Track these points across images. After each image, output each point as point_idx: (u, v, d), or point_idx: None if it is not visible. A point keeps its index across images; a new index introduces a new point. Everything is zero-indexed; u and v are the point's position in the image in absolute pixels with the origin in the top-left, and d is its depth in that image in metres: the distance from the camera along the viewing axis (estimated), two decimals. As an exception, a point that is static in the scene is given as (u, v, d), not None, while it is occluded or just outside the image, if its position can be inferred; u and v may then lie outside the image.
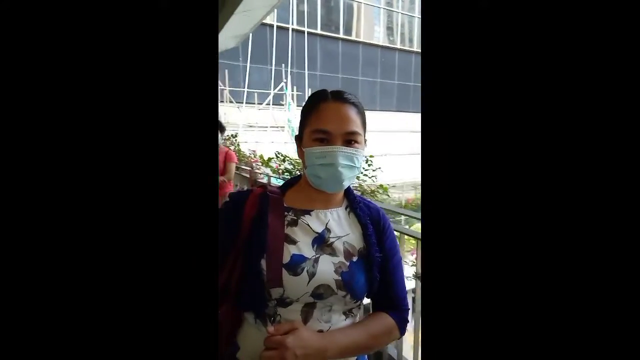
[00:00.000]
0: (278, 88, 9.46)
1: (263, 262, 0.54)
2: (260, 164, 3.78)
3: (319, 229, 0.59)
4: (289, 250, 0.56)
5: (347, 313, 0.60)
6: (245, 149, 5.03)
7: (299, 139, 0.62)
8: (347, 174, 0.58)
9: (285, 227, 0.58)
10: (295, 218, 0.60)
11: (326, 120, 0.57)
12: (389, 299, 0.63)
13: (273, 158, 4.02)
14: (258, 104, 9.67)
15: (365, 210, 0.64)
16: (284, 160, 3.85)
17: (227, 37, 4.69)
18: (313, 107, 0.59)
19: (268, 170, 3.72)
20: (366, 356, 0.67)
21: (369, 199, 0.71)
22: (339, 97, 0.59)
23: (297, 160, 4.25)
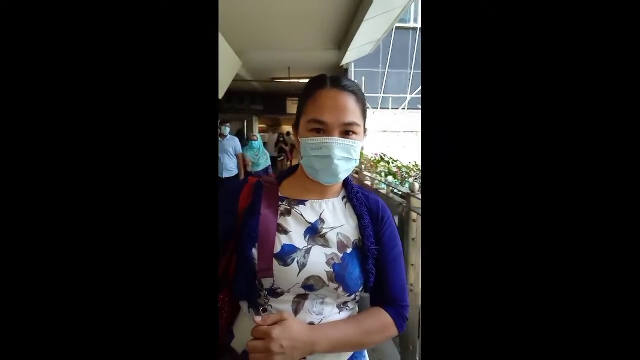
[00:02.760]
0: (416, 92, 9.15)
1: (254, 252, 0.53)
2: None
3: (312, 219, 0.57)
4: (280, 240, 0.54)
5: (341, 306, 0.57)
6: (368, 152, 5.12)
7: (295, 128, 0.60)
8: (343, 166, 0.55)
9: (279, 216, 0.57)
10: (289, 208, 0.58)
11: (323, 109, 0.54)
12: (385, 293, 0.58)
13: (380, 161, 3.98)
14: (393, 108, 9.61)
15: (362, 201, 0.60)
16: (388, 163, 3.75)
17: (362, 45, 4.83)
18: (310, 95, 0.56)
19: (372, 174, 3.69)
20: (365, 351, 0.62)
21: None
22: (337, 84, 0.55)
23: (401, 165, 4.08)
